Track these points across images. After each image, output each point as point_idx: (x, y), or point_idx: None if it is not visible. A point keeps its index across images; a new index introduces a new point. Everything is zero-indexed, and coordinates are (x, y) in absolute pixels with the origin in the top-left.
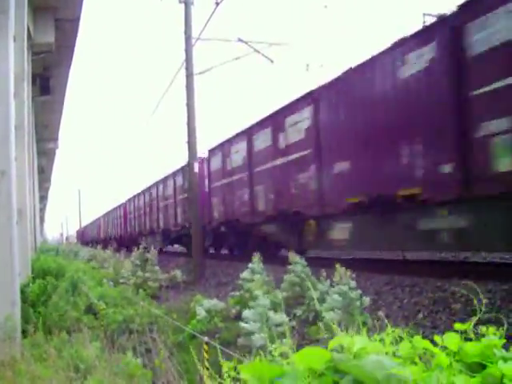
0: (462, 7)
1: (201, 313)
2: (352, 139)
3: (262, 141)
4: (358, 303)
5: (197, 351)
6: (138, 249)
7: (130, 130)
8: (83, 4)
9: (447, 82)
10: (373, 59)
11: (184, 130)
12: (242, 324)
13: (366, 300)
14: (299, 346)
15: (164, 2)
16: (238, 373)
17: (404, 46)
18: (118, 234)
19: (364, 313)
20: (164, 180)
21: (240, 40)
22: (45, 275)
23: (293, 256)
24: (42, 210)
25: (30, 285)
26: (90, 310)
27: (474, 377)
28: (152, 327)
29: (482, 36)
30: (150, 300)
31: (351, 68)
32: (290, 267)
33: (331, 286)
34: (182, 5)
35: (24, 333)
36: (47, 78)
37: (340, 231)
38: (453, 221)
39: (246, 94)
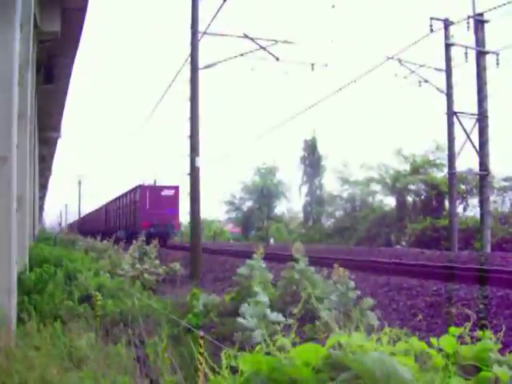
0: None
1: (197, 307)
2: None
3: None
4: (353, 303)
5: (193, 345)
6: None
7: (132, 124)
8: None
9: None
10: (116, 199)
11: (187, 125)
12: (239, 319)
13: (369, 301)
14: (295, 344)
15: None
16: (235, 365)
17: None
18: (101, 228)
19: (365, 313)
20: (127, 193)
21: (246, 36)
22: (42, 264)
23: (296, 253)
24: (42, 198)
25: (27, 273)
26: (86, 300)
27: (468, 379)
28: (147, 319)
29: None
30: (148, 292)
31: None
32: (289, 264)
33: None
34: None
35: (19, 321)
36: (51, 66)
37: None
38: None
39: (251, 92)
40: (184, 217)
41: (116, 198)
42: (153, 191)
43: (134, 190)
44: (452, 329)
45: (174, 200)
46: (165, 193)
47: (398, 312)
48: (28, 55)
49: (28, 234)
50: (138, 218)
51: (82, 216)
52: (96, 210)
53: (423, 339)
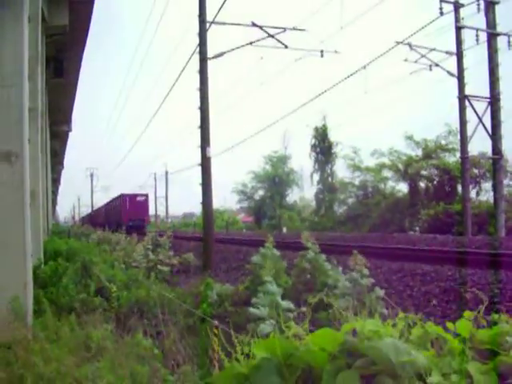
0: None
1: (212, 297)
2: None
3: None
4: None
5: (208, 335)
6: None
7: (143, 114)
8: None
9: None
10: (109, 202)
11: (197, 116)
12: (251, 309)
13: (379, 291)
14: (309, 332)
15: None
16: (248, 353)
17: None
18: (103, 222)
19: (377, 301)
20: (115, 199)
21: (254, 25)
22: (56, 257)
23: (306, 241)
24: (55, 192)
25: (42, 266)
26: (102, 292)
27: (485, 364)
28: (163, 310)
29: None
30: (162, 283)
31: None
32: (301, 253)
33: (343, 273)
34: None
35: (35, 314)
36: (61, 60)
37: None
38: None
39: (261, 80)
40: (197, 207)
41: (109, 201)
42: (131, 198)
43: (119, 197)
44: (467, 313)
45: (144, 203)
46: (138, 199)
47: (412, 298)
48: (37, 50)
49: (42, 228)
50: (122, 215)
51: (90, 212)
52: (98, 209)
53: (439, 325)
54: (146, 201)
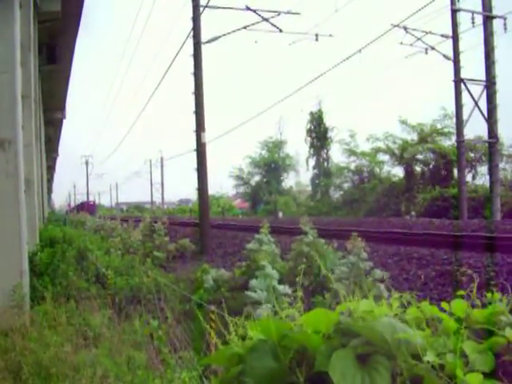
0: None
1: (208, 282)
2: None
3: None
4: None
5: (204, 320)
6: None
7: (137, 101)
8: None
9: None
10: (81, 203)
11: (192, 101)
12: (248, 293)
13: (377, 272)
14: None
15: None
16: (242, 335)
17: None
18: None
19: (375, 284)
20: (82, 202)
21: (248, 8)
22: (53, 245)
23: (304, 225)
24: (50, 180)
25: (38, 254)
26: (98, 278)
27: (481, 343)
28: (159, 296)
29: None
30: (158, 269)
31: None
32: (298, 237)
33: (343, 257)
34: None
35: (32, 301)
36: (53, 46)
37: None
38: None
39: (256, 65)
40: (193, 193)
41: (81, 202)
42: (87, 203)
43: (83, 201)
44: (460, 292)
45: (93, 205)
46: (90, 202)
47: (408, 281)
48: (29, 36)
49: (37, 215)
50: (84, 208)
51: (77, 204)
52: (78, 204)
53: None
54: (94, 203)
